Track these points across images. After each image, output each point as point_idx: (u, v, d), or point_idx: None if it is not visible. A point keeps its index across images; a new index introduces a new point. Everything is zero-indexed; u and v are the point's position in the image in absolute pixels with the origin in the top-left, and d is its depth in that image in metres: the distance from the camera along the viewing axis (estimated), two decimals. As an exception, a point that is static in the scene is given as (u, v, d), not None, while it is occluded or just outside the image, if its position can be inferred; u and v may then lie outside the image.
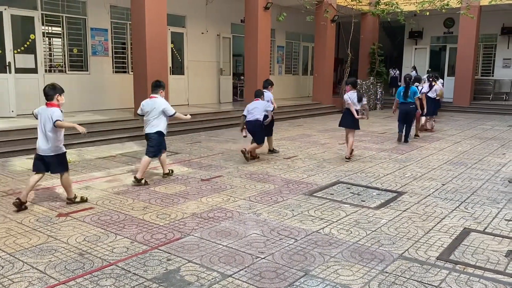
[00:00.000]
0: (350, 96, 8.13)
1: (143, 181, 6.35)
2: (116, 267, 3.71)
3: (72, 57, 11.78)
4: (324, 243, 4.27)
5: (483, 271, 3.72)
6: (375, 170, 7.45)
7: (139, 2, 10.56)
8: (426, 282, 3.51)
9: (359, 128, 8.45)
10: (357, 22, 17.86)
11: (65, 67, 11.57)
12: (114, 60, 12.60)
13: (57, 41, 11.55)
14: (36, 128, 5.43)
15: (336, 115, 16.27)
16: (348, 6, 17.03)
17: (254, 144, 8.10)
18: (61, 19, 11.34)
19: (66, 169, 5.48)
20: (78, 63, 11.88)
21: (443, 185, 6.56)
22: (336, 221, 4.90)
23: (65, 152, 5.58)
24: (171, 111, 6.47)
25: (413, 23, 19.11)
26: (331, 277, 3.57)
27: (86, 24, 11.82)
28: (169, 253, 4.01)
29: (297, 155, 8.65)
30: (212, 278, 3.53)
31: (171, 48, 13.84)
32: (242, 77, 16.30)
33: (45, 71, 11.12)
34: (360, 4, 17.20)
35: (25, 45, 10.78)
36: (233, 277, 3.55)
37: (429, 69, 18.82)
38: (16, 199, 5.23)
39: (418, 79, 11.90)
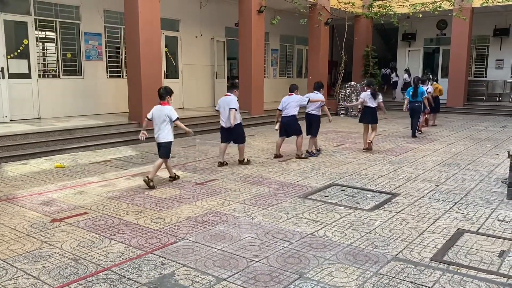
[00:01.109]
0: (365, 94, 9.41)
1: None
2: (111, 272, 3.70)
3: (66, 61, 11.74)
4: (319, 246, 4.28)
5: (476, 271, 3.74)
6: (369, 172, 7.48)
7: (132, 6, 10.56)
8: (420, 283, 3.53)
9: (376, 122, 9.49)
10: (350, 24, 17.95)
11: (58, 72, 11.53)
12: (108, 64, 12.57)
13: (50, 46, 11.52)
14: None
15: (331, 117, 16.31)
16: (342, 9, 17.11)
17: (299, 140, 8.52)
18: (54, 24, 11.31)
19: (167, 157, 6.69)
20: (72, 68, 11.85)
21: (437, 186, 6.59)
22: (330, 224, 4.92)
23: (171, 142, 6.73)
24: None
25: (406, 25, 19.26)
26: (325, 280, 3.58)
27: (79, 29, 11.80)
28: (164, 257, 4.00)
29: (292, 157, 8.67)
30: (207, 282, 3.53)
31: (165, 52, 13.84)
32: (236, 81, 16.30)
33: (39, 76, 11.08)
34: (353, 7, 17.29)
35: (19, 50, 10.74)
36: (228, 281, 3.55)
37: (428, 71, 19.01)
38: (145, 177, 6.36)
39: (423, 81, 12.55)
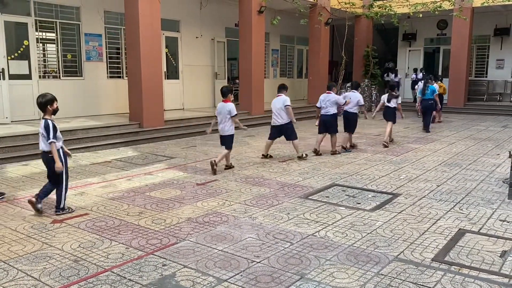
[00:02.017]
0: (384, 97, 10.25)
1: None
2: (111, 273, 3.70)
3: (66, 62, 11.74)
4: (320, 246, 4.27)
5: (478, 271, 3.73)
6: (370, 172, 7.47)
7: (133, 7, 10.57)
8: (421, 283, 3.52)
9: (395, 121, 10.37)
10: (351, 25, 17.93)
11: (59, 73, 11.53)
12: (108, 65, 12.57)
13: (51, 47, 11.52)
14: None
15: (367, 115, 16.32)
16: (342, 9, 17.09)
17: (334, 138, 9.04)
18: (54, 25, 11.31)
19: (229, 148, 7.55)
20: (72, 69, 11.85)
21: (438, 186, 6.58)
22: (331, 224, 4.91)
23: (233, 134, 7.60)
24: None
25: (407, 25, 19.25)
26: (326, 280, 3.57)
27: (80, 30, 11.80)
28: (165, 258, 4.00)
29: (293, 158, 8.66)
30: (208, 283, 3.52)
31: (166, 52, 13.84)
32: (237, 81, 16.32)
33: (39, 77, 11.08)
34: (353, 7, 17.27)
35: (19, 51, 10.75)
36: (229, 282, 3.54)
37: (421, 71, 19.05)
38: (213, 160, 7.25)
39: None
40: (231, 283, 3.52)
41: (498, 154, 9.11)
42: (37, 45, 11.06)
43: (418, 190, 6.37)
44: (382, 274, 3.68)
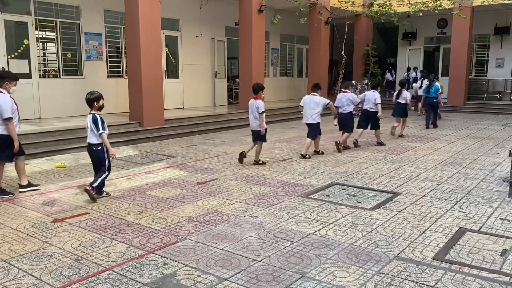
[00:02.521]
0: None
1: (307, 156, 8.41)
2: (112, 272, 3.70)
3: (66, 61, 11.74)
4: (320, 245, 4.28)
5: (478, 270, 3.73)
6: (370, 171, 7.47)
7: (132, 6, 10.56)
8: (422, 282, 3.52)
9: (407, 116, 11.37)
10: (351, 24, 17.93)
11: (59, 72, 11.53)
12: (108, 64, 12.57)
13: (51, 46, 11.52)
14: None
15: (331, 117, 16.32)
16: (342, 8, 17.09)
17: (346, 134, 9.42)
18: (54, 24, 11.31)
19: (263, 140, 7.97)
20: (72, 68, 11.85)
21: (438, 185, 6.58)
22: (332, 223, 4.91)
23: (259, 130, 7.82)
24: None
25: (407, 24, 19.22)
26: (327, 279, 3.57)
27: (80, 29, 11.80)
28: (165, 257, 4.00)
29: (293, 157, 8.67)
30: (209, 282, 3.52)
31: (166, 51, 13.84)
32: (237, 80, 16.31)
33: (39, 76, 11.08)
34: (353, 6, 17.27)
35: (19, 50, 10.75)
36: (230, 281, 3.54)
37: (422, 70, 19.10)
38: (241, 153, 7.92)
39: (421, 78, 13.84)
40: (232, 282, 3.52)
41: (498, 153, 9.11)
42: (37, 44, 11.06)
43: (418, 189, 6.37)
44: (382, 273, 3.68)
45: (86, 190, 5.68)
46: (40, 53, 11.30)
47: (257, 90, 7.82)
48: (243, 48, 14.10)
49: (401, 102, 11.09)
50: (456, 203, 5.65)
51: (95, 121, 5.82)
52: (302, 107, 8.74)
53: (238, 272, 3.69)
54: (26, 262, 3.90)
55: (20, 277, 3.62)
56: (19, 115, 6.14)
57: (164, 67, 13.60)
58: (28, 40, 10.81)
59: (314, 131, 8.64)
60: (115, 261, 3.92)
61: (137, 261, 3.91)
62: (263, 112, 7.69)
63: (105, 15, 12.29)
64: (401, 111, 11.19)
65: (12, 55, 10.58)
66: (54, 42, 11.44)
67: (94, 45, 12.13)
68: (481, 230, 4.71)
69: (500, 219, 5.05)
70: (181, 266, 3.81)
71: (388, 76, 21.06)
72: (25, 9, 10.76)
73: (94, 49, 12.13)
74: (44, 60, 11.45)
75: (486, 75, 19.85)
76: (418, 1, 16.84)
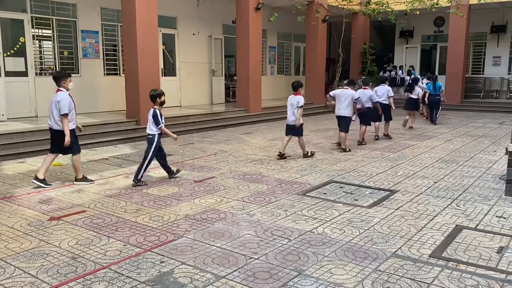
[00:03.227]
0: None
1: (347, 149, 9.01)
2: (109, 270, 3.69)
3: (63, 59, 11.70)
4: (318, 243, 4.28)
5: (475, 267, 3.74)
6: (367, 169, 7.48)
7: (129, 4, 10.52)
8: (419, 279, 3.53)
9: (417, 110, 12.88)
10: (348, 22, 17.93)
11: (55, 70, 11.47)
12: (105, 62, 12.53)
13: (47, 44, 11.48)
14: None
15: (328, 115, 16.33)
16: (339, 6, 17.07)
17: (364, 128, 9.94)
18: (51, 22, 11.27)
19: (300, 134, 8.30)
20: (69, 66, 11.81)
21: (435, 183, 6.60)
22: (329, 221, 4.91)
23: (294, 124, 8.20)
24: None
25: (404, 22, 19.25)
26: (324, 277, 3.57)
27: (76, 27, 11.76)
28: (162, 255, 3.99)
29: (290, 155, 8.66)
30: (206, 280, 3.52)
31: (163, 49, 13.81)
32: (234, 78, 16.29)
33: (36, 74, 11.04)
34: (351, 4, 17.26)
35: (15, 48, 10.70)
36: (227, 278, 3.54)
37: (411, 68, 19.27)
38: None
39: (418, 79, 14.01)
40: (229, 280, 3.52)
41: (495, 151, 9.14)
42: (33, 42, 11.01)
43: (415, 186, 6.38)
44: (379, 270, 3.69)
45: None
46: (37, 51, 11.25)
47: (297, 87, 8.38)
48: (241, 46, 14.08)
49: (413, 97, 12.25)
50: (453, 201, 5.66)
51: (155, 116, 6.51)
52: (332, 97, 9.37)
53: (235, 270, 3.69)
54: (23, 260, 3.89)
55: (16, 275, 3.61)
56: (76, 113, 6.59)
57: (161, 65, 13.56)
58: (24, 38, 10.75)
59: (345, 124, 9.10)
60: (112, 259, 3.91)
61: (134, 259, 3.90)
62: (302, 106, 8.16)
63: (101, 12, 12.25)
64: (411, 105, 12.39)
65: (8, 53, 10.52)
66: (51, 40, 11.40)
67: (91, 43, 12.09)
68: (478, 227, 4.72)
69: (497, 216, 5.07)
70: (178, 264, 3.80)
71: (381, 74, 20.96)
72: (21, 6, 10.70)
73: (90, 47, 12.09)
74: (41, 58, 11.40)
75: (483, 73, 19.90)
76: (415, -1, 16.85)
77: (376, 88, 10.89)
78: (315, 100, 17.07)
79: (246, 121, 13.47)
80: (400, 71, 21.21)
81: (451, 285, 3.43)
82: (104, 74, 12.52)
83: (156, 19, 11.01)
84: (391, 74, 21.22)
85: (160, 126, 6.55)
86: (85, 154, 8.71)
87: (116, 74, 12.81)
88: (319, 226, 4.75)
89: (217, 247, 4.17)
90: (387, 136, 10.82)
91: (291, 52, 19.98)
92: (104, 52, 12.49)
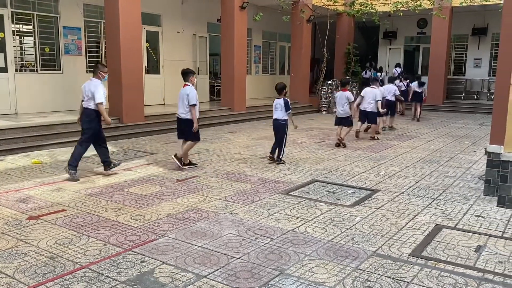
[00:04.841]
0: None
1: (376, 138, 10.62)
2: (89, 270, 3.64)
3: (44, 56, 11.50)
4: (300, 242, 4.29)
5: (453, 266, 3.80)
6: (350, 169, 7.53)
7: (113, 0, 10.39)
8: (398, 278, 3.57)
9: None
10: (332, 22, 18.04)
11: (36, 66, 11.28)
12: (87, 59, 12.36)
13: (28, 40, 11.26)
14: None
15: (313, 115, 16.41)
16: (324, 6, 17.17)
17: (374, 127, 10.90)
18: (32, 17, 11.06)
19: (350, 124, 9.80)
20: (50, 62, 11.61)
21: (416, 182, 6.68)
22: (311, 220, 4.93)
23: (348, 116, 9.64)
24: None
25: (387, 24, 19.44)
26: (306, 276, 3.59)
27: (58, 23, 11.56)
28: (143, 254, 3.95)
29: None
30: (187, 279, 3.50)
31: (146, 47, 13.69)
32: (219, 76, 16.24)
33: (16, 70, 10.83)
34: (335, 4, 17.37)
35: (-6, 44, 10.49)
36: (208, 278, 3.53)
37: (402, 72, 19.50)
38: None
39: (394, 78, 14.70)
40: (210, 279, 3.50)
41: (475, 151, 9.30)
42: (13, 37, 10.80)
43: (396, 186, 6.45)
44: (360, 269, 3.72)
45: (272, 159, 7.79)
46: (17, 46, 11.04)
47: (345, 83, 9.94)
48: (225, 44, 14.04)
49: (419, 91, 14.42)
50: (433, 201, 5.74)
51: (286, 103, 7.71)
52: (363, 97, 10.55)
53: (217, 269, 3.67)
54: (-1, 260, 3.81)
55: (-8, 275, 3.53)
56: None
57: (145, 63, 13.45)
58: (4, 33, 10.54)
59: (373, 117, 10.47)
60: (92, 258, 3.86)
61: (115, 259, 3.86)
62: (353, 101, 9.63)
63: (84, 9, 12.08)
64: (418, 98, 14.66)
65: (-13, 49, 10.31)
66: (32, 36, 11.19)
67: (73, 39, 11.91)
68: (457, 226, 4.80)
69: (475, 216, 5.15)
70: (159, 264, 3.77)
71: (363, 74, 20.99)
72: (1, 1, 10.48)
73: (73, 43, 11.91)
74: (21, 54, 11.19)
75: (464, 75, 20.23)
76: (399, 1, 17.04)
77: (384, 87, 12.36)
78: (300, 100, 17.13)
79: (231, 120, 13.44)
80: (368, 71, 21.36)
81: (430, 284, 3.48)
82: (87, 71, 12.33)
83: (139, 16, 10.91)
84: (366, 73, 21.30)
85: (288, 112, 7.74)
86: (66, 152, 8.57)
87: (99, 71, 12.62)
88: (302, 225, 4.76)
89: (199, 246, 4.15)
90: (391, 128, 12.50)
91: (276, 51, 20.00)
92: (87, 49, 12.31)
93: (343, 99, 9.52)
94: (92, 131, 6.75)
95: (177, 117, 7.38)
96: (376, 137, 10.69)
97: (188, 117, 7.19)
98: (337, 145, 9.59)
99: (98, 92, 6.67)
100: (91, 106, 6.71)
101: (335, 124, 9.81)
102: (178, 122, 7.39)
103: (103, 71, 6.94)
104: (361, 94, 10.74)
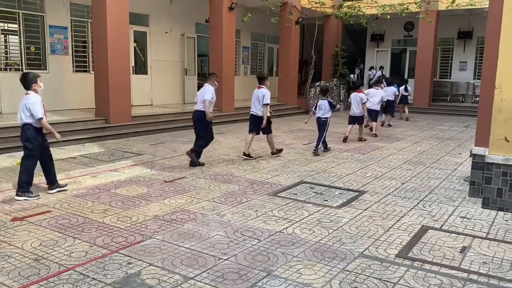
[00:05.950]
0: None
1: (364, 137, 11.07)
2: (74, 272, 3.60)
3: (30, 55, 11.35)
4: (287, 243, 4.30)
5: (439, 267, 3.84)
6: (337, 170, 7.57)
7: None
8: (385, 279, 3.59)
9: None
10: (321, 24, 18.12)
11: (22, 66, 11.12)
12: (74, 59, 12.22)
13: (13, 39, 11.11)
14: None
15: (301, 116, 16.44)
16: (312, 8, 17.24)
17: (376, 125, 11.79)
18: (17, 16, 10.90)
19: (361, 123, 10.69)
20: (36, 62, 11.46)
21: (403, 184, 6.74)
22: (299, 221, 4.94)
23: (362, 116, 10.58)
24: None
25: (375, 26, 19.61)
26: (293, 277, 3.59)
27: (44, 22, 11.42)
28: (130, 256, 3.92)
29: (262, 155, 8.68)
30: (174, 281, 3.48)
31: (134, 47, 13.59)
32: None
33: (0, 69, 10.66)
34: (323, 6, 17.45)
35: (-22, 42, 10.32)
36: (195, 280, 3.51)
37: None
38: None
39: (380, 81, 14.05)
40: (198, 281, 3.49)
41: (460, 153, 9.42)
42: (-2, 36, 10.64)
43: (383, 187, 6.50)
44: (347, 270, 3.74)
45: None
46: (1, 45, 10.88)
47: (358, 85, 11.04)
48: (214, 45, 14.01)
49: (405, 94, 15.28)
50: (419, 202, 5.80)
51: (330, 103, 8.92)
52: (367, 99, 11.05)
53: (204, 271, 3.66)
54: (-18, 262, 3.74)
55: (-25, 278, 3.47)
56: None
57: (132, 63, 13.36)
58: (-11, 32, 10.38)
59: (375, 115, 11.51)
60: (77, 260, 3.81)
61: (101, 261, 3.82)
62: (366, 102, 10.48)
63: (71, 8, 11.94)
64: (405, 100, 15.57)
65: (-29, 47, 10.13)
66: (17, 35, 11.03)
67: (59, 38, 11.77)
68: (443, 228, 4.85)
69: (461, 217, 5.22)
70: (146, 266, 3.74)
71: (350, 76, 21.04)
72: (-15, -1, 10.33)
73: (59, 42, 11.77)
74: (6, 53, 11.03)
75: (450, 78, 20.49)
76: (386, 4, 17.21)
77: (385, 89, 12.92)
78: (288, 101, 17.16)
79: (219, 121, 13.38)
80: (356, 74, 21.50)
81: (416, 284, 3.51)
82: (73, 71, 12.22)
83: (127, 16, 10.83)
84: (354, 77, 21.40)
85: (334, 110, 9.03)
86: (52, 153, 8.46)
87: (86, 71, 12.52)
88: (289, 226, 4.77)
89: (186, 248, 4.13)
90: (389, 126, 13.53)
91: (265, 53, 20.03)
92: (74, 49, 12.18)
93: (357, 99, 10.39)
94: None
95: (251, 114, 8.33)
96: (364, 138, 10.90)
97: (260, 113, 8.15)
98: (345, 140, 10.43)
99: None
100: (200, 107, 7.70)
101: (349, 123, 10.60)
102: (253, 118, 8.31)
103: (217, 80, 8.14)
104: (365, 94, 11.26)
